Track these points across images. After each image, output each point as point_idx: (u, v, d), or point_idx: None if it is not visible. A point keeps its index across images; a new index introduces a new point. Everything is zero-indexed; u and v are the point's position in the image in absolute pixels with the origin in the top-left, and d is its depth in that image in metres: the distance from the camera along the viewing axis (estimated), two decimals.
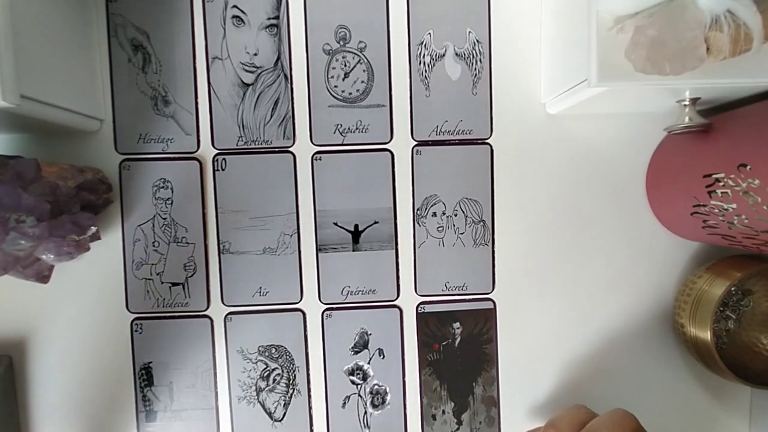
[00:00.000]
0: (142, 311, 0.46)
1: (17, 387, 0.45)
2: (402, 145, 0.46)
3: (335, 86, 0.45)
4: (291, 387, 0.47)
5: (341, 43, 0.45)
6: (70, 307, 0.45)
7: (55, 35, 0.38)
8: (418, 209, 0.46)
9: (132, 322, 0.46)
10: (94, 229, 0.41)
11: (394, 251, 0.46)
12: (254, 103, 0.45)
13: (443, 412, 0.47)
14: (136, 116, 0.45)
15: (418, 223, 0.46)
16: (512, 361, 0.47)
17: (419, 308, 0.47)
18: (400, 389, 0.47)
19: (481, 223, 0.47)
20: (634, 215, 0.47)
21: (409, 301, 0.47)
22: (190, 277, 0.46)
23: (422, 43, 0.45)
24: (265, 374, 0.46)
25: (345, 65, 0.45)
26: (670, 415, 0.48)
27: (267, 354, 0.46)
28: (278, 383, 0.47)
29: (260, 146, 0.45)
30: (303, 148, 0.46)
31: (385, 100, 0.46)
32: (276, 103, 0.45)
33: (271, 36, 0.45)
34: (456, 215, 0.46)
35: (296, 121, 0.46)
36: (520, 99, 0.46)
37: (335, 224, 0.46)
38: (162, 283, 0.46)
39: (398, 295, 0.47)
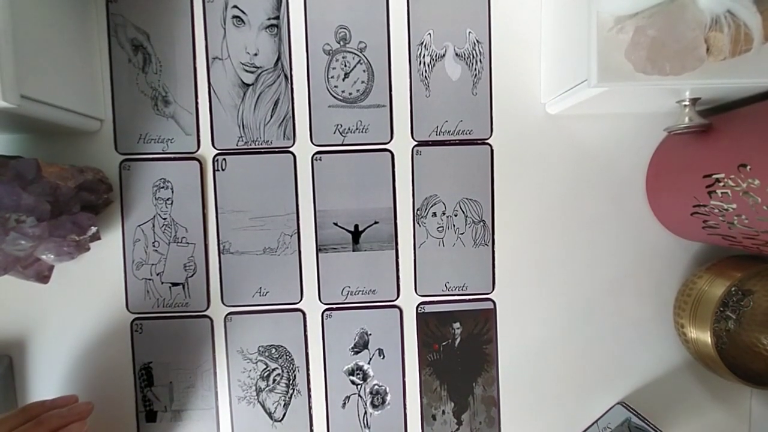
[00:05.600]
0: (142, 311, 0.46)
1: (17, 387, 0.45)
2: (402, 145, 0.46)
3: (335, 86, 0.45)
4: (291, 387, 0.47)
5: (341, 43, 0.45)
6: (70, 307, 0.45)
7: (55, 35, 0.39)
8: (418, 209, 0.46)
9: (132, 322, 0.46)
10: (94, 229, 0.41)
11: (394, 251, 0.46)
12: (254, 103, 0.45)
13: (443, 412, 0.47)
14: (136, 116, 0.45)
15: (418, 223, 0.46)
16: (512, 361, 0.47)
17: (419, 308, 0.47)
18: (400, 389, 0.47)
19: (481, 223, 0.47)
20: (634, 215, 0.47)
21: (409, 302, 0.47)
22: (190, 277, 0.46)
23: (422, 43, 0.45)
24: (265, 374, 0.46)
25: (345, 65, 0.45)
26: (671, 415, 0.48)
27: (267, 354, 0.46)
28: (278, 383, 0.47)
29: (260, 146, 0.45)
30: (303, 149, 0.46)
31: (385, 100, 0.46)
32: (276, 103, 0.45)
33: (272, 36, 0.45)
34: (456, 215, 0.46)
35: (296, 121, 0.46)
36: (520, 99, 0.46)
37: (335, 224, 0.46)
38: (162, 283, 0.46)
39: (398, 296, 0.47)
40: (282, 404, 0.47)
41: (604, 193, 0.47)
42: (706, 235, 0.42)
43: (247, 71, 0.45)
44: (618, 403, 0.47)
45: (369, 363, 0.47)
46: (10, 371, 0.45)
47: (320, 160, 0.46)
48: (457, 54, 0.46)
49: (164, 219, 0.45)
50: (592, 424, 0.47)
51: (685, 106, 0.38)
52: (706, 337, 0.41)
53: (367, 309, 0.47)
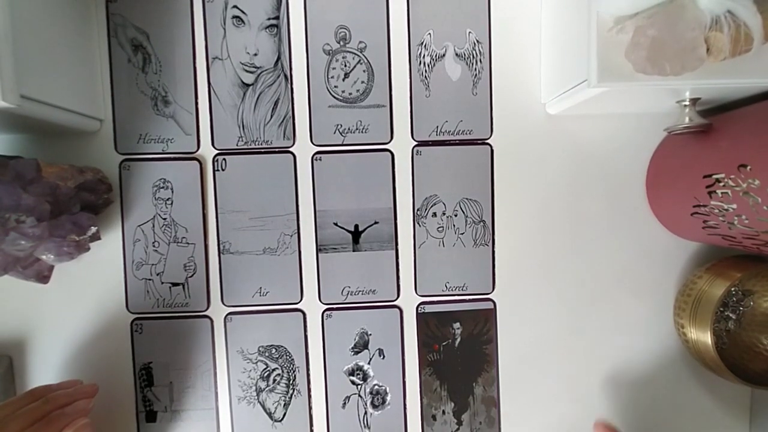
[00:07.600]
0: (142, 311, 0.46)
1: (17, 387, 0.45)
2: (402, 145, 0.46)
3: (335, 86, 0.45)
4: (291, 387, 0.47)
5: (341, 43, 0.45)
6: (70, 307, 0.45)
7: (55, 35, 0.38)
8: (418, 209, 0.46)
9: (132, 322, 0.46)
10: (94, 229, 0.41)
11: (394, 251, 0.46)
12: (254, 103, 0.45)
13: (443, 412, 0.47)
14: (136, 116, 0.45)
15: (418, 223, 0.46)
16: (512, 361, 0.47)
17: (419, 308, 0.47)
18: (400, 389, 0.47)
19: (481, 223, 0.47)
20: (634, 215, 0.47)
21: (409, 302, 0.47)
22: (190, 277, 0.46)
23: (422, 43, 0.45)
24: (265, 374, 0.46)
25: (345, 65, 0.45)
26: (671, 415, 0.48)
27: (267, 354, 0.46)
28: (278, 383, 0.47)
29: (260, 146, 0.45)
30: (303, 149, 0.46)
31: (385, 101, 0.46)
32: (276, 103, 0.45)
33: (271, 36, 0.45)
34: (456, 215, 0.46)
35: (296, 121, 0.46)
36: (520, 99, 0.46)
37: (335, 224, 0.46)
38: (162, 283, 0.46)
39: (398, 296, 0.47)
40: (282, 404, 0.47)
41: (604, 193, 0.47)
42: (706, 235, 0.42)
43: (247, 71, 0.45)
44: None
45: (369, 363, 0.47)
46: (10, 371, 0.45)
47: (320, 160, 0.46)
48: (457, 54, 0.46)
49: (164, 219, 0.45)
50: None
51: (685, 106, 0.38)
52: (706, 337, 0.41)
53: (367, 309, 0.47)
